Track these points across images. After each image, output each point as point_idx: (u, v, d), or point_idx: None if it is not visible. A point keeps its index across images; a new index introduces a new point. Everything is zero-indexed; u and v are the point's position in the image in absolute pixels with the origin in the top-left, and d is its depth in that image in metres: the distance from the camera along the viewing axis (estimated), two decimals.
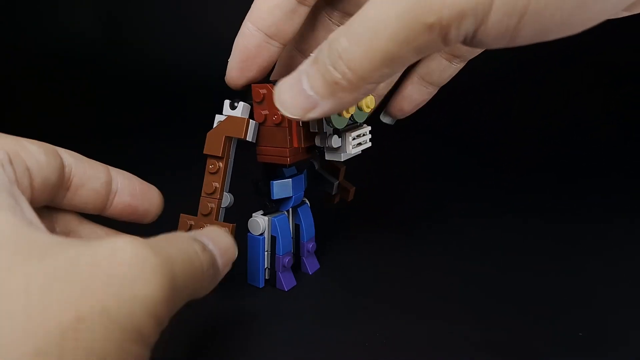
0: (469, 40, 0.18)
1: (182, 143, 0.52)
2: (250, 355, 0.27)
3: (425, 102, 0.37)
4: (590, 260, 0.36)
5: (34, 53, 0.87)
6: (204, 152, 0.29)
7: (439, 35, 0.18)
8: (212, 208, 0.29)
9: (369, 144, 0.31)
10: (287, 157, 0.29)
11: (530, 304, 0.31)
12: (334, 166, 0.36)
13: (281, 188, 0.31)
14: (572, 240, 0.39)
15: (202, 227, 0.29)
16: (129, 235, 0.17)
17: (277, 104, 0.23)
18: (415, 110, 0.37)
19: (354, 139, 0.29)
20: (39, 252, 0.15)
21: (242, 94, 0.30)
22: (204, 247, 0.21)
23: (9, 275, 0.14)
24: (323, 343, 0.28)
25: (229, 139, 0.29)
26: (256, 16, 0.27)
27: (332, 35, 0.20)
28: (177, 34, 0.84)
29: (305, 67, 0.21)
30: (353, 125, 0.30)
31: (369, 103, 0.29)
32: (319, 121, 0.29)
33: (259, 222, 0.32)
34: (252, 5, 0.27)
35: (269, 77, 0.32)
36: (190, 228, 0.30)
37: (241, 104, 0.28)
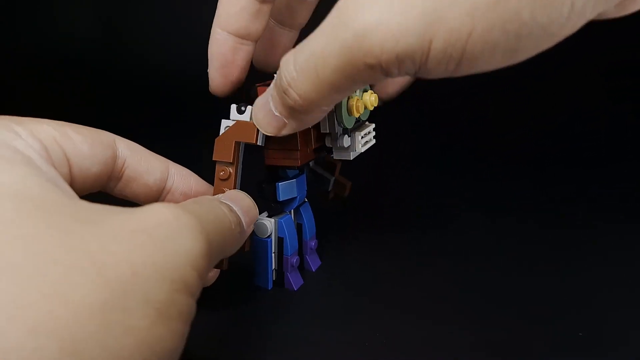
0: (412, 75, 0.20)
1: (182, 143, 0.52)
2: (250, 355, 0.28)
3: (409, 84, 0.34)
4: (590, 260, 0.36)
5: (33, 53, 0.87)
6: (214, 158, 0.29)
7: (381, 73, 0.19)
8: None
9: (374, 141, 0.31)
10: (298, 159, 0.29)
11: (530, 304, 0.31)
12: (329, 162, 0.37)
13: (287, 189, 0.32)
14: (572, 241, 0.39)
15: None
16: (166, 203, 0.19)
17: (254, 122, 0.26)
18: (400, 92, 0.35)
19: (362, 137, 0.30)
20: (91, 218, 0.16)
21: (237, 98, 0.30)
22: (230, 208, 0.23)
23: (71, 237, 0.15)
24: (323, 343, 0.28)
25: (238, 144, 0.29)
26: (224, 21, 0.28)
27: (283, 61, 0.22)
28: (177, 35, 0.84)
29: (270, 89, 0.24)
30: (359, 123, 0.31)
31: (373, 102, 0.29)
32: (330, 122, 0.29)
33: (266, 224, 0.32)
34: (218, 12, 0.28)
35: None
36: None
37: (249, 107, 0.28)
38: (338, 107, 0.28)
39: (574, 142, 0.61)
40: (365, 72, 0.19)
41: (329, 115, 0.28)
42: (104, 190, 0.25)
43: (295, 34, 0.32)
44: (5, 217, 0.15)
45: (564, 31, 0.18)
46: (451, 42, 0.17)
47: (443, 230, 0.42)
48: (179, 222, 0.18)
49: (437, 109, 0.72)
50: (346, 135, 0.29)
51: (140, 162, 0.25)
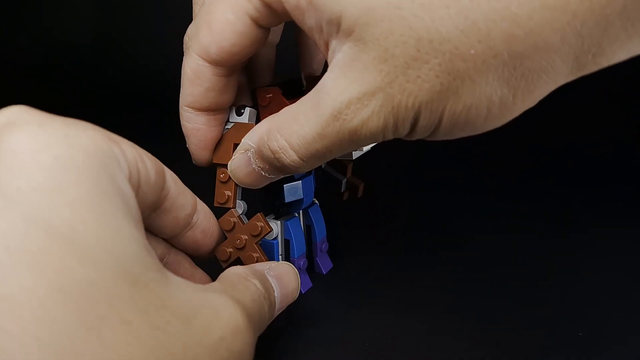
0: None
1: (181, 145, 0.52)
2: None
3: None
4: (590, 261, 0.36)
5: (31, 55, 0.87)
6: (213, 161, 0.29)
7: (369, 142, 0.22)
8: (234, 222, 0.29)
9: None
10: None
11: (530, 304, 0.31)
12: (341, 163, 0.36)
13: (292, 191, 0.31)
14: (572, 242, 0.39)
15: (242, 254, 0.29)
16: (223, 296, 0.19)
17: (236, 181, 0.27)
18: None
19: None
20: (179, 307, 0.16)
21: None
22: (271, 293, 0.23)
23: (159, 340, 0.15)
24: (323, 343, 0.28)
25: (237, 146, 0.28)
26: (193, 101, 0.27)
27: (270, 128, 0.24)
28: (175, 36, 0.83)
29: (252, 156, 0.25)
30: None
31: None
32: None
33: (273, 227, 0.32)
34: (182, 91, 0.27)
35: (274, 80, 0.32)
36: (229, 257, 0.29)
37: (247, 109, 0.28)
38: None
39: (574, 148, 0.61)
40: (350, 145, 0.22)
41: None
42: None
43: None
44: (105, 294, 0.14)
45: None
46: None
47: (447, 231, 0.41)
48: (248, 334, 0.19)
49: None
50: None
51: (179, 196, 0.24)
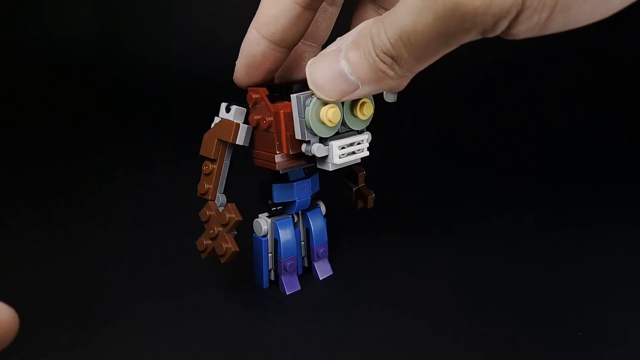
0: (502, 34, 0.19)
1: (179, 142, 0.54)
2: (249, 354, 0.28)
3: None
4: (590, 260, 0.36)
5: (32, 54, 0.91)
6: (200, 153, 0.30)
7: (476, 35, 0.19)
8: (210, 214, 0.29)
9: (366, 153, 0.29)
10: (274, 162, 0.28)
11: (530, 304, 0.31)
12: (353, 171, 0.35)
13: (281, 191, 0.31)
14: (572, 241, 0.39)
15: (215, 244, 0.29)
16: None
17: (312, 87, 0.24)
18: None
19: (342, 147, 0.28)
20: None
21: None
22: None
23: None
24: (323, 343, 0.29)
25: (222, 141, 0.29)
26: (261, 23, 0.27)
27: (374, 28, 0.21)
28: (173, 34, 0.85)
29: (344, 51, 0.22)
30: (346, 133, 0.29)
31: (365, 111, 0.28)
32: (301, 128, 0.27)
33: (261, 223, 0.32)
34: (257, 11, 0.27)
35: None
36: (206, 248, 0.30)
37: (234, 107, 0.29)
38: (307, 113, 0.26)
39: (572, 143, 0.60)
40: (460, 36, 0.19)
41: (301, 121, 0.27)
42: None
43: (317, 49, 0.31)
44: None
45: None
46: None
47: (446, 231, 0.41)
48: None
49: (439, 114, 0.72)
50: (320, 145, 0.27)
51: None
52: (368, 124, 0.29)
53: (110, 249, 0.39)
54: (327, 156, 0.28)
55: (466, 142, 0.63)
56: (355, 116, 0.28)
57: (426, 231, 0.41)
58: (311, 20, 0.27)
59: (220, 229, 0.29)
